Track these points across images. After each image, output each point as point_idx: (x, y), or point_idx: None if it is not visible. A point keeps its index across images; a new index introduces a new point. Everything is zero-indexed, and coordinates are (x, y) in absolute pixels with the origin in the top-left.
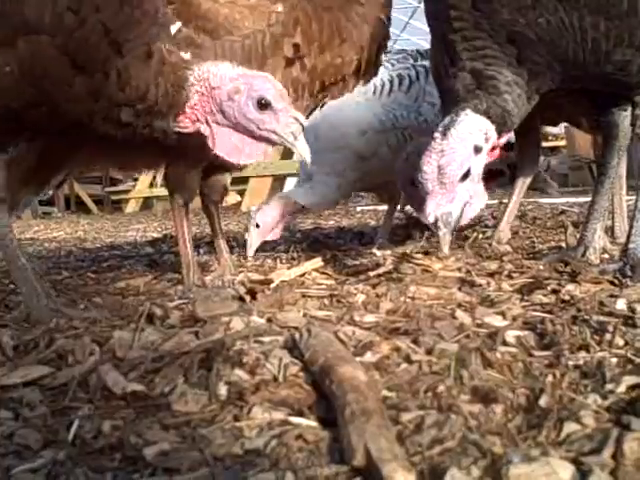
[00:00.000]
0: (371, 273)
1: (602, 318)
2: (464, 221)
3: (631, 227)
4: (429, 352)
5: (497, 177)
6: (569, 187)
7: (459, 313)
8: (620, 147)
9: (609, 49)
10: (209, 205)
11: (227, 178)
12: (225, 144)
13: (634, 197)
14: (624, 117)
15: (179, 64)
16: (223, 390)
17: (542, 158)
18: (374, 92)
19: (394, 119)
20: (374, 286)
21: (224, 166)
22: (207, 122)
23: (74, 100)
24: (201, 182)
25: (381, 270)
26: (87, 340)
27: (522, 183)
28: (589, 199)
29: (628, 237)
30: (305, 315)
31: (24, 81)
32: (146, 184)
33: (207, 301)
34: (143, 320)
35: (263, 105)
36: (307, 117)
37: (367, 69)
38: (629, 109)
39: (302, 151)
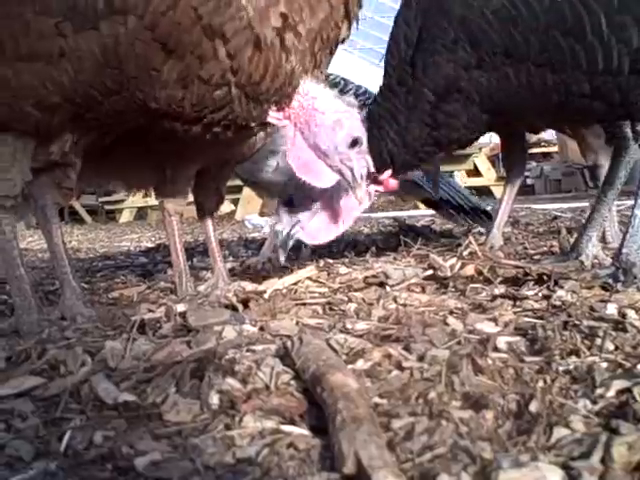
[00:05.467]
0: (361, 277)
1: (593, 323)
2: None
3: (626, 232)
4: (420, 359)
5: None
6: (562, 193)
7: (451, 320)
8: (630, 160)
9: (562, 100)
10: (204, 214)
11: (223, 187)
12: (299, 157)
13: (625, 202)
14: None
15: (296, 70)
16: (215, 399)
17: (535, 164)
18: None
19: None
20: (366, 293)
21: (219, 174)
22: (295, 128)
23: (163, 85)
24: (196, 191)
25: (372, 276)
26: (79, 350)
27: (511, 189)
28: (582, 204)
29: (622, 242)
30: (297, 323)
31: (107, 65)
32: (140, 194)
33: (199, 310)
34: (135, 330)
35: (354, 143)
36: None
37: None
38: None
39: (361, 195)
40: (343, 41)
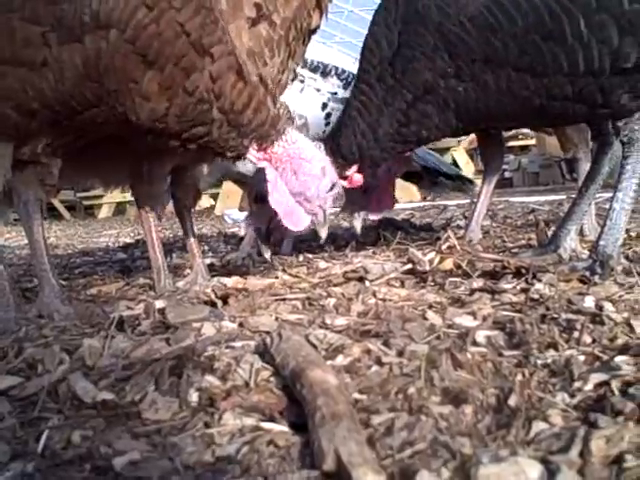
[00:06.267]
0: (340, 272)
1: (570, 316)
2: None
3: (603, 225)
4: (400, 354)
5: (415, 179)
6: (539, 185)
7: (430, 314)
8: (612, 156)
9: (544, 103)
10: (182, 209)
11: (200, 182)
12: (281, 202)
13: (603, 194)
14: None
15: (283, 115)
16: (194, 397)
17: (512, 157)
18: None
19: None
20: (345, 288)
21: (196, 170)
22: (276, 171)
23: (144, 97)
24: (174, 187)
25: (351, 271)
26: (57, 349)
27: (489, 183)
28: (559, 197)
29: (599, 235)
30: (277, 319)
31: (88, 78)
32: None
33: (178, 307)
34: (113, 327)
35: (331, 188)
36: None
37: None
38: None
39: (323, 233)
40: (315, 30)
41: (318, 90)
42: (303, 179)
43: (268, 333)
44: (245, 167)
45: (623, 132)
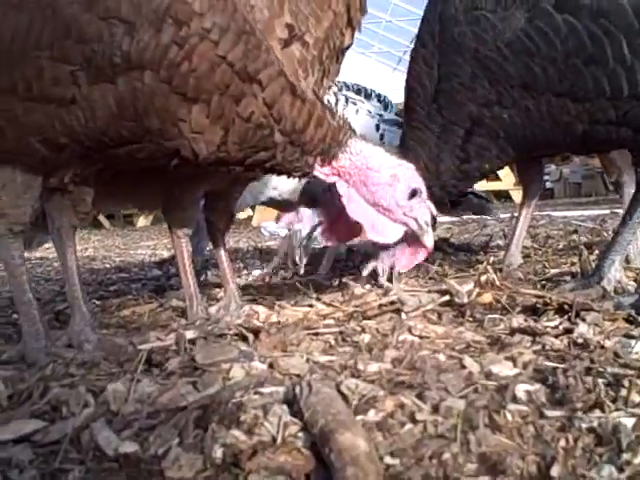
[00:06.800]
0: (376, 304)
1: (617, 370)
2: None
3: None
4: (435, 409)
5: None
6: (582, 197)
7: (467, 360)
8: None
9: (586, 128)
10: (215, 233)
11: (234, 206)
12: (360, 216)
13: None
14: None
15: (343, 127)
16: (219, 453)
17: (554, 167)
18: None
19: None
20: (380, 322)
21: (229, 193)
22: (348, 185)
23: (196, 132)
24: (208, 211)
25: (388, 303)
26: (82, 390)
27: (528, 206)
28: (602, 212)
29: None
30: (308, 360)
31: (123, 118)
32: None
33: (207, 346)
34: (140, 367)
35: (413, 194)
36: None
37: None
38: None
39: (428, 240)
40: (347, 48)
41: (369, 112)
42: (374, 189)
43: (298, 376)
44: (276, 191)
45: None
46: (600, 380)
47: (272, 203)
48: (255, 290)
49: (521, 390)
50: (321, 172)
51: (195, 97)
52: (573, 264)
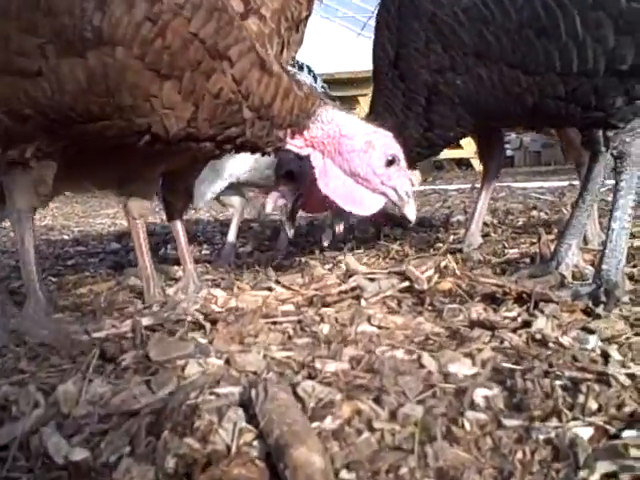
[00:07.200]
0: (335, 291)
1: (575, 374)
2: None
3: (604, 248)
4: (392, 416)
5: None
6: (541, 165)
7: (425, 359)
8: (607, 165)
9: (536, 101)
10: (173, 214)
11: (192, 186)
12: (337, 188)
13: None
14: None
15: (310, 97)
16: (171, 464)
17: (514, 136)
18: None
19: None
20: (340, 310)
21: (188, 174)
22: (323, 155)
23: (168, 107)
24: (165, 191)
25: (346, 289)
26: (32, 389)
27: (488, 186)
28: (561, 184)
29: (600, 258)
30: (265, 357)
31: (94, 93)
32: None
33: (162, 341)
34: (94, 363)
35: (391, 162)
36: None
37: None
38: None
39: (410, 212)
40: (307, 18)
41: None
42: (348, 157)
43: (255, 375)
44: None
45: (613, 144)
46: (558, 384)
47: (236, 189)
48: (214, 269)
49: (479, 395)
50: (294, 145)
51: (168, 74)
52: (532, 244)
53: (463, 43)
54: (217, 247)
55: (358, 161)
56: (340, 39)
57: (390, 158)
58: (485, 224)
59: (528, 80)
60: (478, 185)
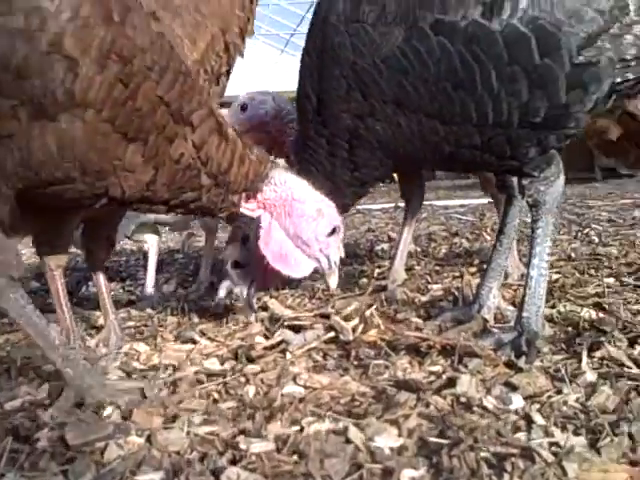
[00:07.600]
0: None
1: (500, 450)
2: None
3: (524, 295)
4: None
5: None
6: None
7: (352, 431)
8: (521, 208)
9: (453, 150)
10: (94, 263)
11: (115, 234)
12: (275, 248)
13: None
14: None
15: (263, 160)
16: None
17: None
18: None
19: None
20: (265, 367)
21: (110, 222)
22: (271, 216)
23: (128, 170)
24: (86, 239)
25: (270, 344)
26: None
27: (410, 223)
28: (481, 202)
29: (520, 305)
30: (188, 433)
31: (62, 158)
32: None
33: (79, 425)
34: (8, 447)
35: (332, 232)
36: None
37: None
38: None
39: (332, 282)
40: (227, 73)
41: None
42: (297, 221)
43: (178, 455)
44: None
45: (528, 192)
46: (483, 457)
47: (150, 227)
48: (137, 313)
49: (406, 477)
50: (247, 208)
51: (135, 137)
52: (454, 277)
53: (383, 92)
54: (141, 282)
55: (305, 226)
56: (263, 56)
57: (334, 227)
58: (409, 253)
59: (445, 129)
60: (401, 204)
